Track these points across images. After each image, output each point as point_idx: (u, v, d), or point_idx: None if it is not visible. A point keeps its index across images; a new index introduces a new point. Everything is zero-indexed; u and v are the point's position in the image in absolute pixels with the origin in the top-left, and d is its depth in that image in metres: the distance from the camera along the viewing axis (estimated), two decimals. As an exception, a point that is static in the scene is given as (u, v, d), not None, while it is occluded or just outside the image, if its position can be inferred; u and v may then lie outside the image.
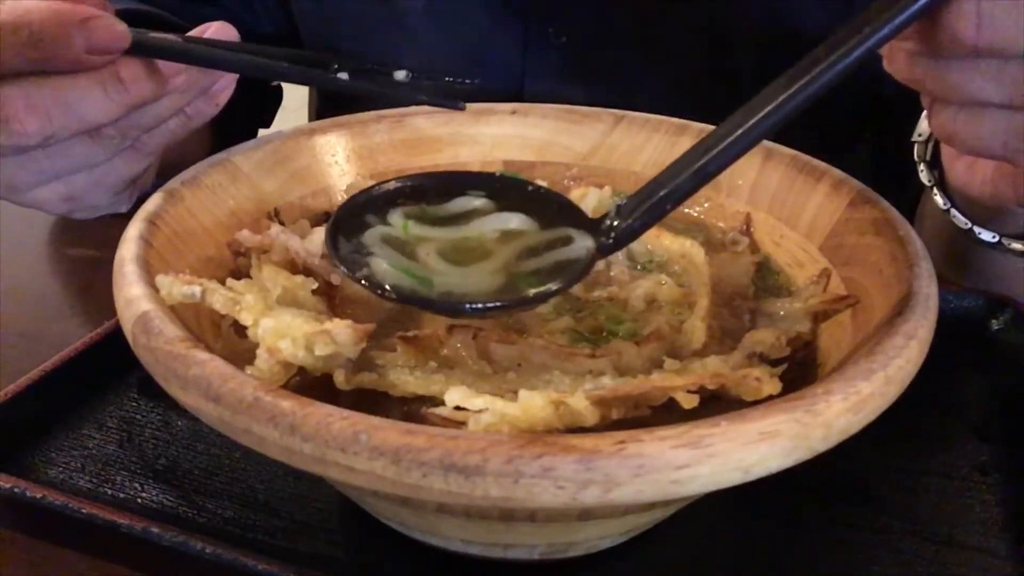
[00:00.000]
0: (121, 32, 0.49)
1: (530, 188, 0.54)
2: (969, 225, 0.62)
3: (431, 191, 0.53)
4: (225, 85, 0.57)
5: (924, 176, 0.64)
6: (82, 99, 0.50)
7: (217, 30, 0.55)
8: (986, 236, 0.61)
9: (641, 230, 0.47)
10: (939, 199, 0.62)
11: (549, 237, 0.50)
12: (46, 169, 0.53)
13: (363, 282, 0.45)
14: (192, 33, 0.55)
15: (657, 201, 0.46)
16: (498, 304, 0.46)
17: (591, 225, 0.49)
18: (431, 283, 0.46)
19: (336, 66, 0.57)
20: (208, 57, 0.54)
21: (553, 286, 0.46)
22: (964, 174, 0.52)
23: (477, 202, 0.52)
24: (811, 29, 0.80)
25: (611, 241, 0.47)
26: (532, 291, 0.46)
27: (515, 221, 0.51)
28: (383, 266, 0.46)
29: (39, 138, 0.50)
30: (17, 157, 0.52)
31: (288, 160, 0.62)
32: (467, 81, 0.60)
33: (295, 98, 1.18)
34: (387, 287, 0.45)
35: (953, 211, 0.62)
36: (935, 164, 0.63)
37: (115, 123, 0.52)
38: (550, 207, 0.51)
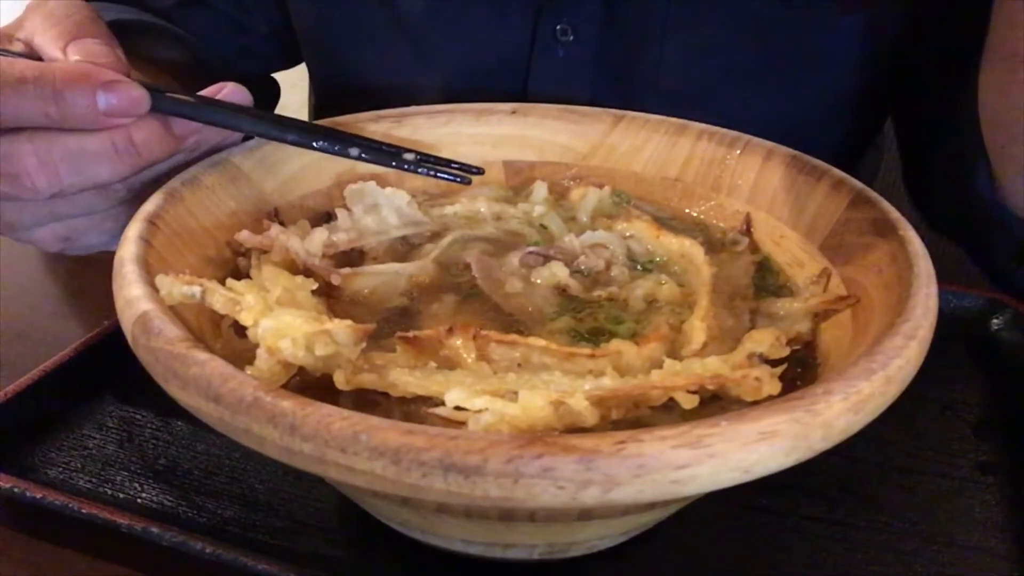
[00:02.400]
0: (140, 98, 0.50)
1: None
2: None
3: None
4: (233, 140, 0.59)
5: None
6: (93, 160, 0.50)
7: (230, 92, 0.56)
8: None
9: None
10: None
11: None
12: (49, 213, 0.54)
13: None
14: (205, 93, 0.56)
15: None
16: None
17: None
18: None
19: (350, 142, 0.60)
20: (225, 123, 0.55)
21: None
22: None
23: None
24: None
25: None
26: None
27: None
28: None
29: (47, 194, 0.51)
30: (21, 202, 0.52)
31: (288, 160, 0.62)
32: (473, 168, 0.63)
33: (295, 99, 1.17)
34: None
35: None
36: None
37: (123, 180, 0.53)
38: None
